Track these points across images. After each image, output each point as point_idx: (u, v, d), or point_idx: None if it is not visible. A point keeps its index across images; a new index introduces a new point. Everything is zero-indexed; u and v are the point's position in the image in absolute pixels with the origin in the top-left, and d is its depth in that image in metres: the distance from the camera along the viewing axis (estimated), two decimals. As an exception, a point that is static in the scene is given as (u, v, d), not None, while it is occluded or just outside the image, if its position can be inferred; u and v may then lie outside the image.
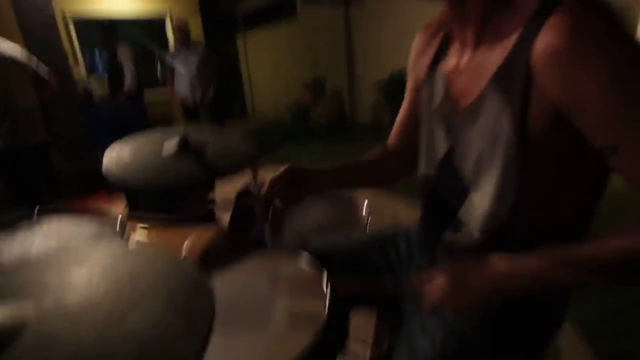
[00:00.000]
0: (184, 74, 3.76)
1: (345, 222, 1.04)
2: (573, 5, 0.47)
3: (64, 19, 5.17)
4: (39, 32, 3.23)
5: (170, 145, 0.95)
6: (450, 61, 0.67)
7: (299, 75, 6.18)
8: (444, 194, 0.69)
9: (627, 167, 0.48)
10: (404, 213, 2.05)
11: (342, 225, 1.03)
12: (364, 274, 0.81)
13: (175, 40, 4.17)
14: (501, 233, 0.60)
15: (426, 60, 0.73)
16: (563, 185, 0.55)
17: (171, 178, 0.88)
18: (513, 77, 0.53)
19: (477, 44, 0.60)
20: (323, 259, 0.77)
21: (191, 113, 4.01)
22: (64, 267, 0.50)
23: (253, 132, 5.92)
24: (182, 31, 3.80)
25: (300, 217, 1.08)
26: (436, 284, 0.58)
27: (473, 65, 0.61)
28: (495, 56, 0.56)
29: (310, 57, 6.07)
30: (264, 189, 0.68)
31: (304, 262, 0.77)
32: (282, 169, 0.70)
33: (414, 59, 0.78)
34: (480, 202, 0.61)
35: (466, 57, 0.62)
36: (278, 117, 6.55)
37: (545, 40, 0.48)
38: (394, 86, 4.50)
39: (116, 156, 0.92)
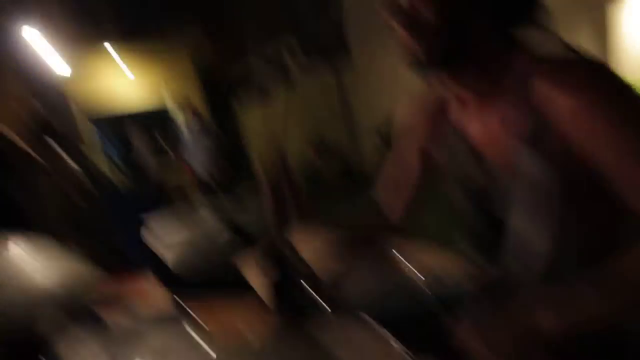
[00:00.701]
0: (196, 149, 3.99)
1: (390, 279, 1.09)
2: (574, 65, 0.57)
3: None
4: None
5: (223, 234, 1.02)
6: (458, 117, 0.71)
7: (302, 136, 6.40)
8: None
9: (624, 189, 0.55)
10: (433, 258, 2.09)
11: (389, 283, 1.07)
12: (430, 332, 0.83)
13: (186, 118, 4.44)
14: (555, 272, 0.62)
15: (428, 123, 0.78)
16: (598, 217, 0.61)
17: (231, 270, 0.94)
18: (541, 137, 0.58)
19: (479, 102, 0.65)
20: (382, 320, 0.80)
21: (206, 184, 4.17)
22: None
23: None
24: (189, 110, 4.09)
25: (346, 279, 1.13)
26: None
27: (484, 121, 0.66)
28: (509, 114, 0.61)
29: (310, 118, 6.33)
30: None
31: (367, 324, 0.79)
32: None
33: (415, 124, 0.83)
34: (520, 245, 0.65)
35: (471, 113, 0.67)
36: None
37: (561, 101, 0.55)
38: (390, 129, 4.71)
39: (176, 256, 0.99)
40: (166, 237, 1.09)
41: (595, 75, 0.56)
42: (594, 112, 0.54)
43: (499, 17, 0.61)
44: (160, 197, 4.42)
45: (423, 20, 0.59)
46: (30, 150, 1.66)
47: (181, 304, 0.93)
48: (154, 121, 6.12)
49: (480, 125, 0.67)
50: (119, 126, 5.68)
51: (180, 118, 5.76)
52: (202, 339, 0.59)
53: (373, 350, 0.74)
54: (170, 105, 6.30)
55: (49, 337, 0.67)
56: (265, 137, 7.52)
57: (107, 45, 5.71)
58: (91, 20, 5.33)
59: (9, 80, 2.54)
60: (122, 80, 6.05)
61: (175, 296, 1.01)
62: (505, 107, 0.62)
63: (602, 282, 0.53)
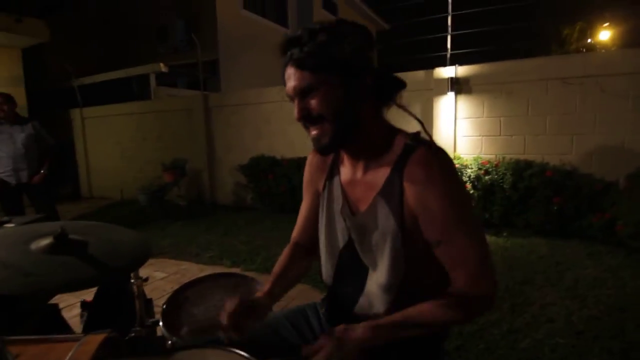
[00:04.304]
0: (5, 152, 3.17)
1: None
2: (426, 149, 0.73)
3: None
4: None
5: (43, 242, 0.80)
6: (345, 175, 0.86)
7: (152, 156, 5.88)
8: (346, 274, 0.84)
9: (442, 254, 0.72)
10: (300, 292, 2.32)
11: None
12: (281, 352, 0.83)
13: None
14: (397, 299, 0.75)
15: (322, 174, 0.91)
16: (429, 257, 0.75)
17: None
18: (393, 192, 0.75)
19: (366, 167, 0.82)
20: (239, 346, 0.75)
21: (11, 196, 3.28)
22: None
23: (88, 215, 5.11)
24: (5, 104, 3.22)
25: (201, 306, 1.02)
26: (319, 350, 0.67)
27: (365, 181, 0.81)
28: (380, 176, 0.78)
29: (166, 139, 5.91)
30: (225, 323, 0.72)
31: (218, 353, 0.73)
32: (234, 303, 0.74)
33: (311, 174, 0.96)
34: (378, 278, 0.78)
35: (359, 174, 0.83)
36: (126, 200, 5.90)
37: (410, 170, 0.73)
38: (255, 168, 4.78)
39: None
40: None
41: (440, 164, 0.73)
42: (435, 192, 0.71)
43: (377, 101, 0.77)
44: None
45: (316, 115, 0.73)
46: None
47: None
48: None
49: (360, 185, 0.82)
50: None
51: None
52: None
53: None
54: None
55: None
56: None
57: None
58: None
59: None
60: None
61: None
62: (381, 173, 0.78)
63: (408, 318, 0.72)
